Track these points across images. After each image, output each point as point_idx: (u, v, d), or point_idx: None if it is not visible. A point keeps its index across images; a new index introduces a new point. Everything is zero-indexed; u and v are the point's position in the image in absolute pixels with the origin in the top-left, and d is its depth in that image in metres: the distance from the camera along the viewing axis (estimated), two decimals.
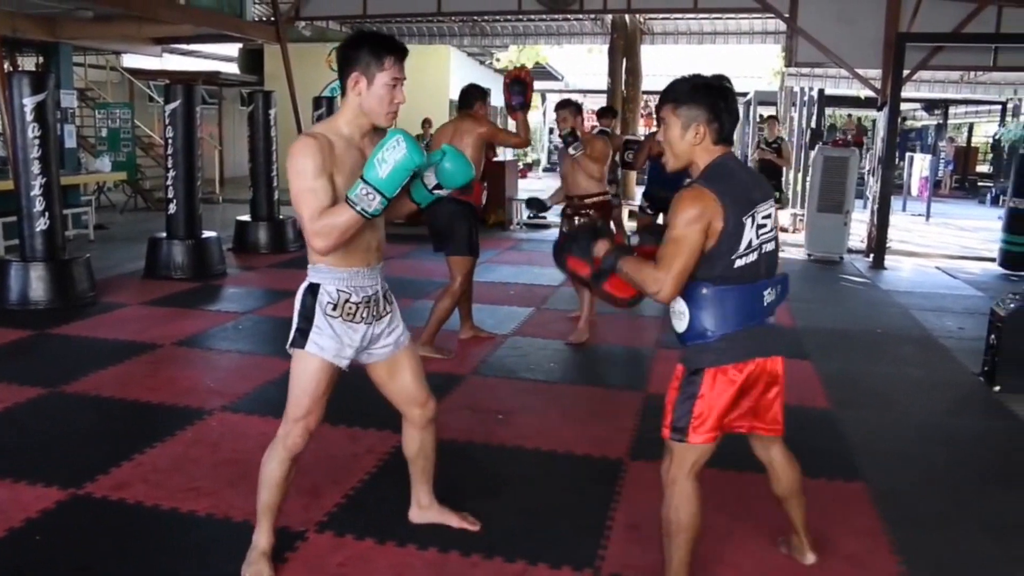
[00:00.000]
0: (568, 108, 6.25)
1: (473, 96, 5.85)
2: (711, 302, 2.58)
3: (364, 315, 2.88)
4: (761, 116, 9.29)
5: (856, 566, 3.15)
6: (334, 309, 2.83)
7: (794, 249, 11.50)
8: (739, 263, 2.56)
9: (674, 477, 2.67)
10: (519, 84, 5.74)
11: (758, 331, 2.65)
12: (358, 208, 2.54)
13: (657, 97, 2.78)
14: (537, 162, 26.91)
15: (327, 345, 2.84)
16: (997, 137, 22.57)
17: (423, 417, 3.17)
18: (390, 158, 2.48)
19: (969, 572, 3.18)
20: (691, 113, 2.57)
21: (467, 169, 2.76)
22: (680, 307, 2.63)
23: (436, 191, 2.78)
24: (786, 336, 2.76)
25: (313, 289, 2.85)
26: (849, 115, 24.91)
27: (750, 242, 2.57)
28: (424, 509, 3.34)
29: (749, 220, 2.56)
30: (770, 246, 2.66)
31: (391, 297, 3.04)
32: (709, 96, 2.56)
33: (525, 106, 5.74)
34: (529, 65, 21.43)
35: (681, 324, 2.65)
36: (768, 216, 2.64)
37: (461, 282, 5.73)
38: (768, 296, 2.67)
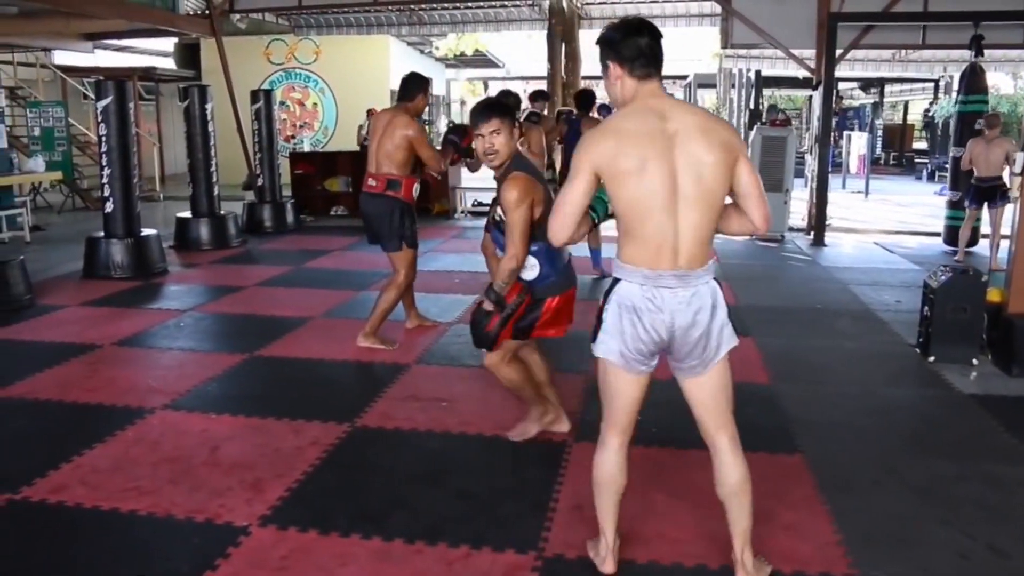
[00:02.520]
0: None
1: (415, 86, 5.64)
2: (548, 257, 3.70)
3: None
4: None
5: (795, 536, 3.22)
6: None
7: None
8: None
9: (495, 362, 3.89)
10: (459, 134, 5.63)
11: (566, 273, 3.83)
12: None
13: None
14: None
15: None
16: (931, 114, 23.03)
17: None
18: None
19: (899, 535, 3.27)
20: None
21: None
22: (531, 262, 3.67)
23: None
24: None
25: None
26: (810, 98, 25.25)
27: None
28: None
29: None
30: None
31: None
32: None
33: (459, 150, 5.64)
34: (469, 52, 21.37)
35: (532, 273, 3.70)
36: None
37: (405, 274, 5.70)
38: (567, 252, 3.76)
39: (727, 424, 2.81)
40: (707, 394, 2.76)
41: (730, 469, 2.79)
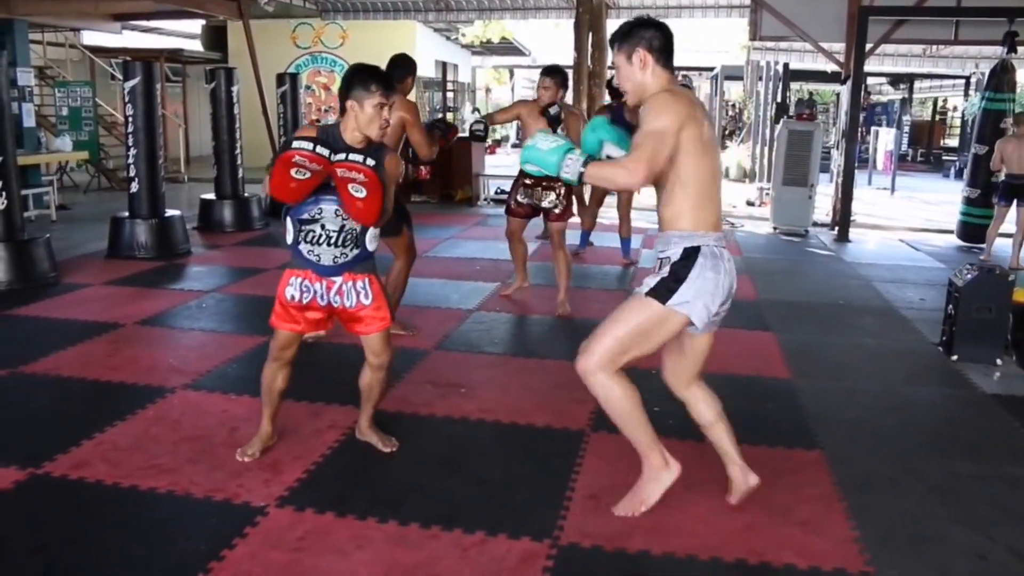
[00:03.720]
0: (555, 76, 5.99)
1: (403, 70, 5.38)
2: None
3: None
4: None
5: (812, 532, 3.21)
6: None
7: (760, 223, 11.57)
8: None
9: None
10: (443, 125, 5.64)
11: None
12: None
13: None
14: (506, 138, 26.79)
15: None
16: (962, 111, 22.76)
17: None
18: None
19: (917, 535, 3.25)
20: None
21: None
22: (376, 232, 3.53)
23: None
24: None
25: None
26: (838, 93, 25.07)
27: None
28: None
29: None
30: None
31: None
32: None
33: (444, 138, 5.51)
34: (495, 40, 21.29)
35: (374, 244, 3.54)
36: None
37: (402, 258, 5.57)
38: None
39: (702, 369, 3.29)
40: (707, 345, 3.18)
41: (711, 402, 3.28)
